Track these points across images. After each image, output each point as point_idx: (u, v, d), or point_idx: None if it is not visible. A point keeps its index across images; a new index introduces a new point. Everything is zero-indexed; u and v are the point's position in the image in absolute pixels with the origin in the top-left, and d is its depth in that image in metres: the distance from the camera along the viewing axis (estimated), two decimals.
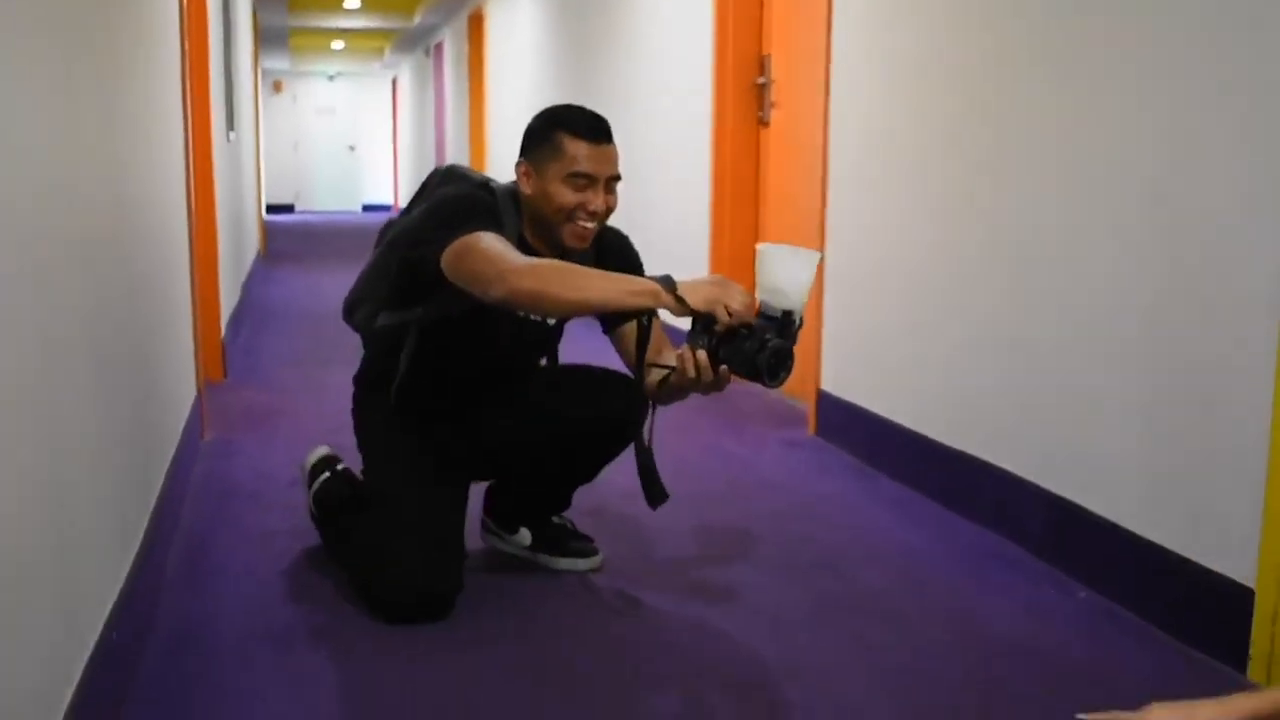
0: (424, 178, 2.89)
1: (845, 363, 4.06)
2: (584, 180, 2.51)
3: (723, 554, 3.00)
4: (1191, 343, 2.47)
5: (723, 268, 5.13)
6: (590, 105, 2.67)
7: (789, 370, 2.23)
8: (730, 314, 2.20)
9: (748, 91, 5.13)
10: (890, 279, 3.73)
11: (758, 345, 2.20)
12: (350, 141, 21.75)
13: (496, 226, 2.48)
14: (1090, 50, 2.77)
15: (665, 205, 5.83)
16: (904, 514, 3.34)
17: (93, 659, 1.94)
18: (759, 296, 2.24)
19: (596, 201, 2.53)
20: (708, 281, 2.25)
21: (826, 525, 3.26)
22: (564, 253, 2.56)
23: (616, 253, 2.69)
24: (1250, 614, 2.29)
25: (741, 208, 5.19)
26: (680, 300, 2.21)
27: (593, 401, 2.70)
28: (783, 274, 2.23)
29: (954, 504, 3.32)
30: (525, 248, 2.54)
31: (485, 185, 2.65)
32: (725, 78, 5.13)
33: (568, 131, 2.53)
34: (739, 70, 5.12)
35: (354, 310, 2.82)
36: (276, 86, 21.17)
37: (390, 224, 2.86)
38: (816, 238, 4.16)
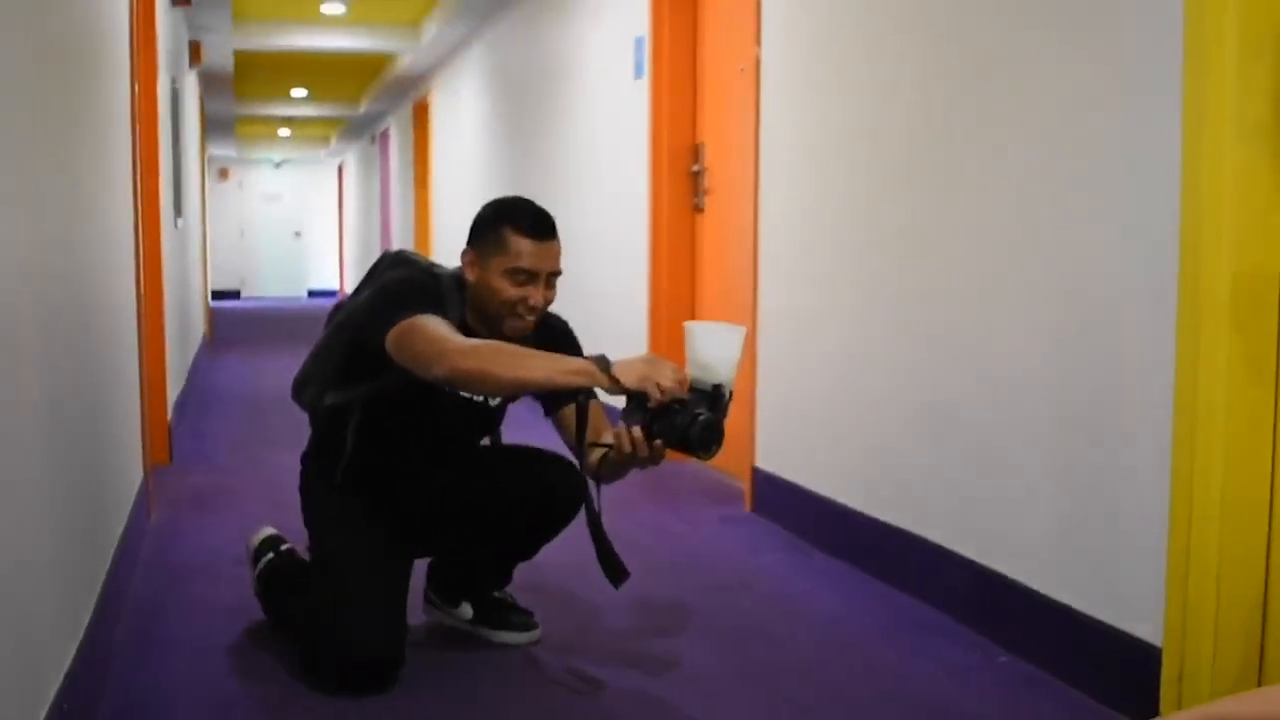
0: (370, 263, 3.01)
1: (778, 440, 4.19)
2: (525, 276, 2.63)
3: (660, 626, 3.09)
4: (1097, 410, 2.61)
5: (660, 347, 5.27)
6: (530, 191, 2.81)
7: (719, 442, 2.35)
8: (661, 390, 2.32)
9: (683, 179, 5.30)
10: (817, 357, 3.88)
11: (689, 419, 2.32)
12: (296, 228, 21.85)
13: (440, 310, 2.59)
14: (997, 118, 2.95)
15: (605, 287, 5.97)
16: (835, 585, 3.45)
17: None
18: (689, 372, 2.37)
19: (536, 296, 2.65)
20: (640, 360, 2.37)
21: (760, 597, 3.36)
22: (505, 339, 2.67)
23: (559, 337, 2.80)
24: (1158, 673, 2.41)
25: (678, 290, 5.34)
26: (614, 379, 2.33)
27: (534, 479, 2.81)
28: (709, 350, 2.36)
29: (883, 575, 3.44)
30: (467, 332, 2.64)
31: (431, 271, 2.77)
32: (661, 166, 5.31)
33: (513, 227, 2.64)
34: (674, 158, 5.30)
35: (302, 389, 2.92)
36: (223, 174, 21.29)
37: (339, 306, 2.97)
38: (749, 318, 4.30)
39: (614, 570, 2.56)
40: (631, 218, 5.58)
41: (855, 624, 3.11)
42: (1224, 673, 2.31)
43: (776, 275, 4.20)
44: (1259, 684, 2.30)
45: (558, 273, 2.69)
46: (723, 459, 4.86)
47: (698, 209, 5.29)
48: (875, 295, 3.54)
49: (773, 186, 4.21)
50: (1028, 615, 2.82)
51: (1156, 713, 2.41)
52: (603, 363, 2.36)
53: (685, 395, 2.34)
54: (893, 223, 3.44)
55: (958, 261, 3.12)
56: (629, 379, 2.33)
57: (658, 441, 2.36)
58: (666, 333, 5.31)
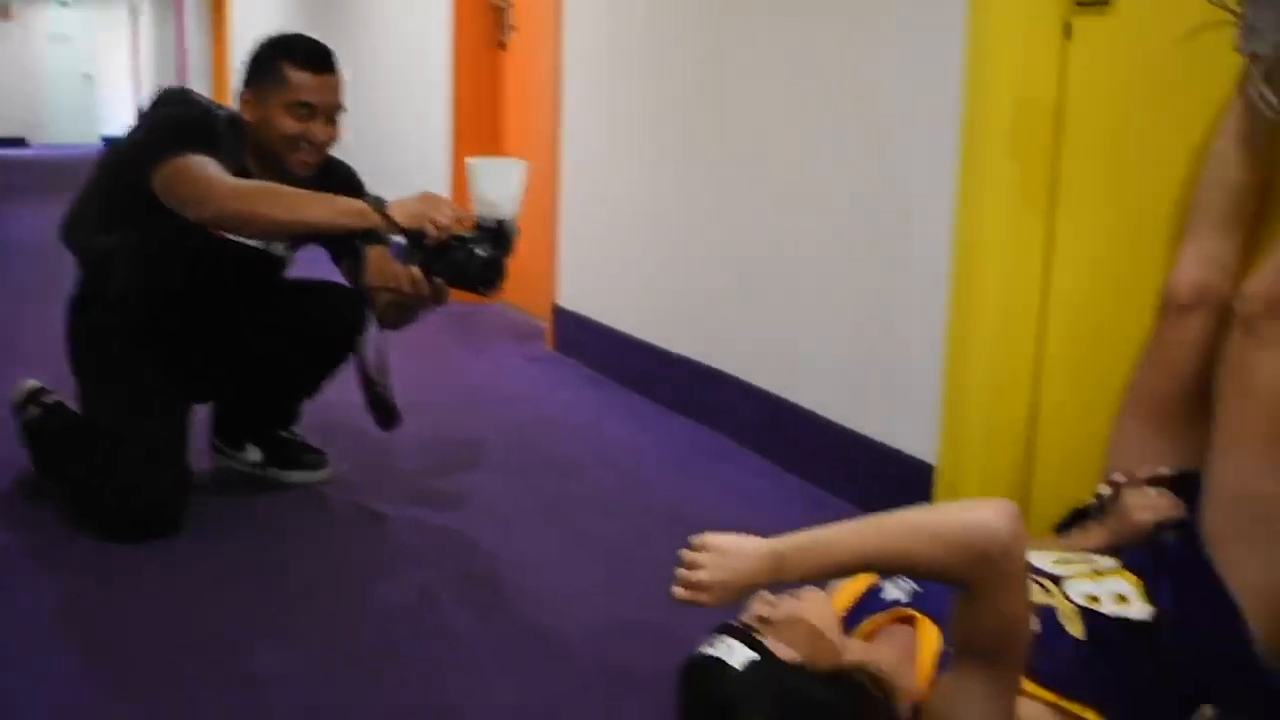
0: None
1: (580, 279, 4.17)
2: (306, 110, 2.53)
3: (457, 463, 3.08)
4: (882, 244, 2.66)
5: (461, 191, 5.15)
6: (329, 31, 2.68)
7: (500, 278, 2.31)
8: (437, 227, 2.26)
9: (486, 14, 5.14)
10: (619, 197, 3.85)
11: (467, 256, 2.27)
12: (87, 70, 20.65)
13: (214, 150, 2.47)
14: None
15: (405, 127, 5.82)
16: (633, 420, 3.48)
17: None
18: (474, 209, 2.31)
19: (318, 131, 2.55)
20: (415, 198, 2.31)
21: (559, 433, 3.37)
22: (288, 181, 2.55)
23: (341, 180, 2.69)
24: (932, 487, 2.51)
25: (481, 130, 5.22)
26: (388, 218, 2.26)
27: (309, 311, 2.74)
28: (491, 185, 2.30)
29: (681, 408, 3.48)
30: (247, 176, 2.52)
31: (209, 111, 2.63)
32: (464, 1, 5.14)
33: (291, 62, 2.54)
34: None
35: (71, 231, 2.76)
36: (3, 13, 19.91)
37: (114, 148, 2.80)
38: (552, 161, 4.24)
39: (382, 412, 2.54)
40: (433, 57, 5.40)
41: (651, 456, 3.15)
42: (993, 488, 2.41)
43: (581, 115, 4.13)
44: (1027, 500, 2.41)
45: (339, 107, 2.59)
46: (524, 297, 4.85)
47: (501, 46, 5.16)
48: (677, 135, 3.51)
49: (577, 22, 4.11)
50: (816, 441, 2.89)
51: None
52: (377, 203, 2.30)
53: (465, 232, 2.28)
54: (696, 62, 3.40)
55: (754, 99, 3.10)
56: (403, 217, 2.27)
57: (438, 280, 2.31)
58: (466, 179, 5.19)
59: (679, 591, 1.46)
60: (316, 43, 2.61)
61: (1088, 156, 2.27)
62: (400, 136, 5.83)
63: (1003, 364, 2.39)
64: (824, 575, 1.49)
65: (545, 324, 4.41)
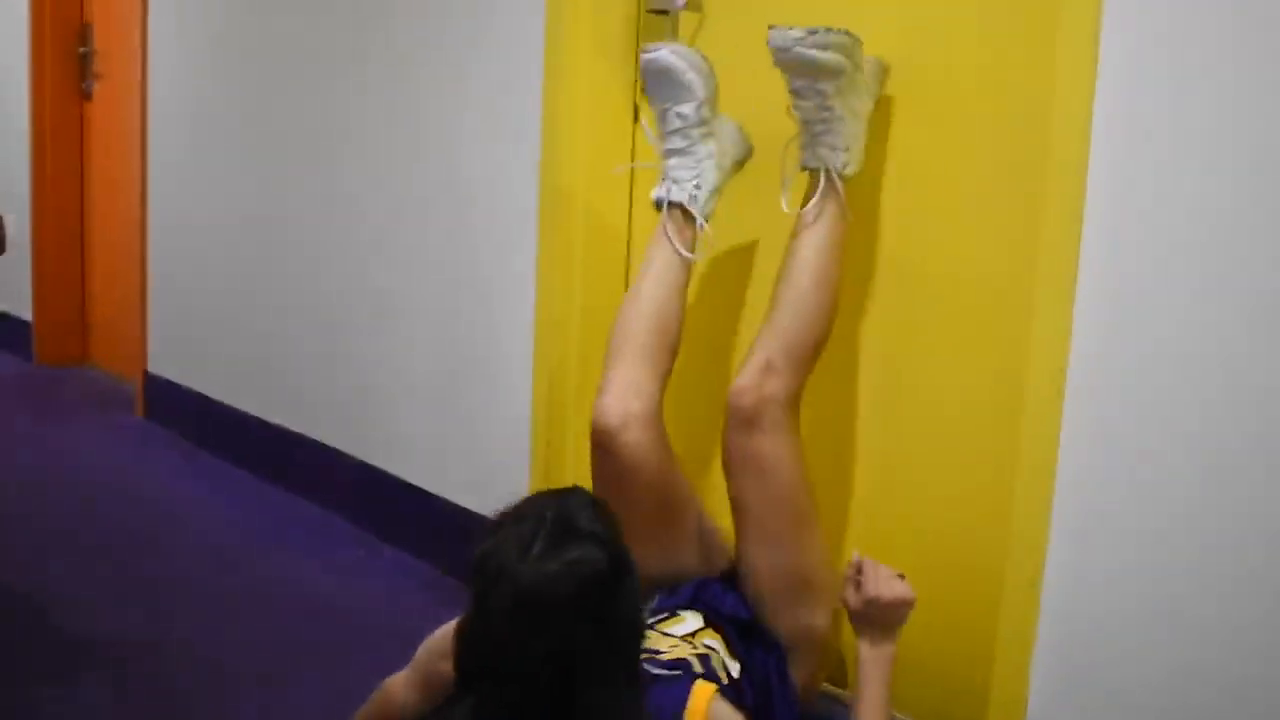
0: None
1: (171, 343, 4.00)
2: None
3: (31, 544, 2.89)
4: (468, 310, 2.72)
5: (47, 248, 4.87)
6: None
7: None
8: None
9: (69, 62, 4.88)
10: (210, 256, 3.74)
11: None
12: None
13: None
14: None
15: None
16: (226, 490, 3.37)
17: None
18: None
19: None
20: None
21: (145, 506, 3.22)
22: None
23: None
24: None
25: (64, 185, 4.92)
26: None
27: None
28: None
29: (275, 478, 3.40)
30: None
31: None
32: (42, 44, 4.84)
33: None
34: (57, 36, 4.85)
35: None
36: None
37: None
38: (138, 217, 4.06)
39: None
40: (9, 104, 5.06)
41: (245, 528, 3.06)
42: None
43: (168, 170, 3.97)
44: None
45: None
46: (112, 360, 4.61)
47: (86, 96, 4.90)
48: (263, 192, 3.45)
49: (160, 74, 3.97)
50: (409, 509, 2.90)
51: None
52: None
53: None
54: (282, 117, 3.35)
55: (342, 155, 3.10)
56: None
57: None
58: (53, 232, 4.90)
59: None
60: None
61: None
62: None
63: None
64: None
65: (135, 388, 4.20)
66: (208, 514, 3.18)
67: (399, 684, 1.83)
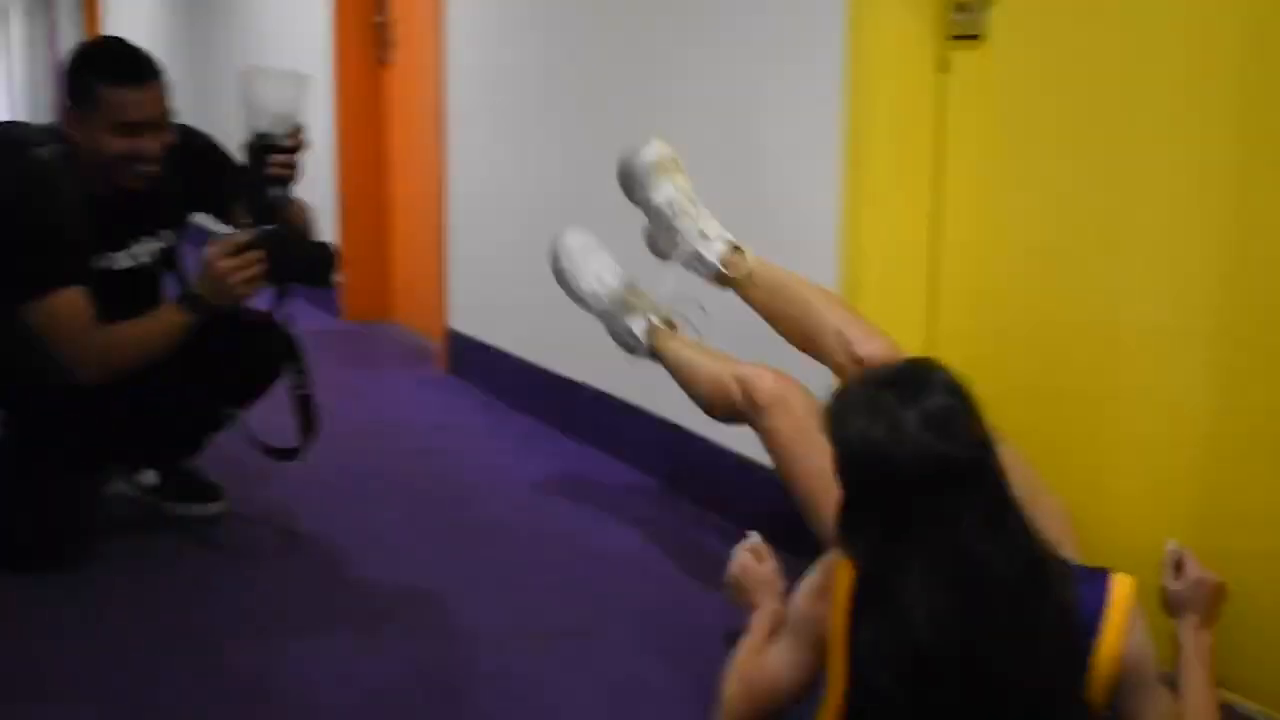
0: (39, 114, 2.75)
1: (471, 300, 4.17)
2: (131, 128, 2.45)
3: (355, 495, 3.07)
4: None
5: (351, 211, 5.15)
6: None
7: (330, 266, 2.52)
8: (237, 290, 2.41)
9: (366, 30, 5.11)
10: (507, 216, 3.86)
11: (301, 251, 2.48)
12: None
13: (56, 214, 2.42)
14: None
15: None
16: (528, 445, 3.50)
17: None
18: (247, 120, 2.37)
19: (149, 146, 2.48)
20: (205, 281, 2.42)
21: (455, 462, 3.37)
22: (133, 189, 2.51)
23: (199, 151, 2.67)
24: None
25: (364, 150, 5.19)
26: (204, 310, 2.43)
27: (234, 338, 2.62)
28: (262, 96, 2.36)
29: (573, 433, 3.50)
30: (92, 202, 2.47)
31: (36, 160, 2.46)
32: (344, 15, 5.10)
33: (105, 79, 2.44)
34: (356, 7, 5.09)
35: None
36: None
37: None
38: (437, 180, 4.24)
39: (306, 419, 2.59)
40: (314, 73, 5.33)
41: (548, 483, 3.17)
42: None
43: (466, 132, 4.13)
44: None
45: (166, 114, 2.51)
46: (415, 317, 4.84)
47: (383, 62, 5.13)
48: (566, 162, 3.54)
49: (459, 37, 4.11)
50: (710, 468, 2.94)
51: None
52: (187, 305, 2.44)
53: (254, 246, 2.39)
54: (583, 77, 3.43)
55: (643, 112, 3.14)
56: (215, 299, 2.43)
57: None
58: (356, 195, 5.17)
59: None
60: (129, 50, 2.52)
61: (963, 188, 2.37)
62: None
63: None
64: None
65: (437, 345, 4.40)
66: (512, 466, 3.30)
67: (778, 661, 1.73)
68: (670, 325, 2.47)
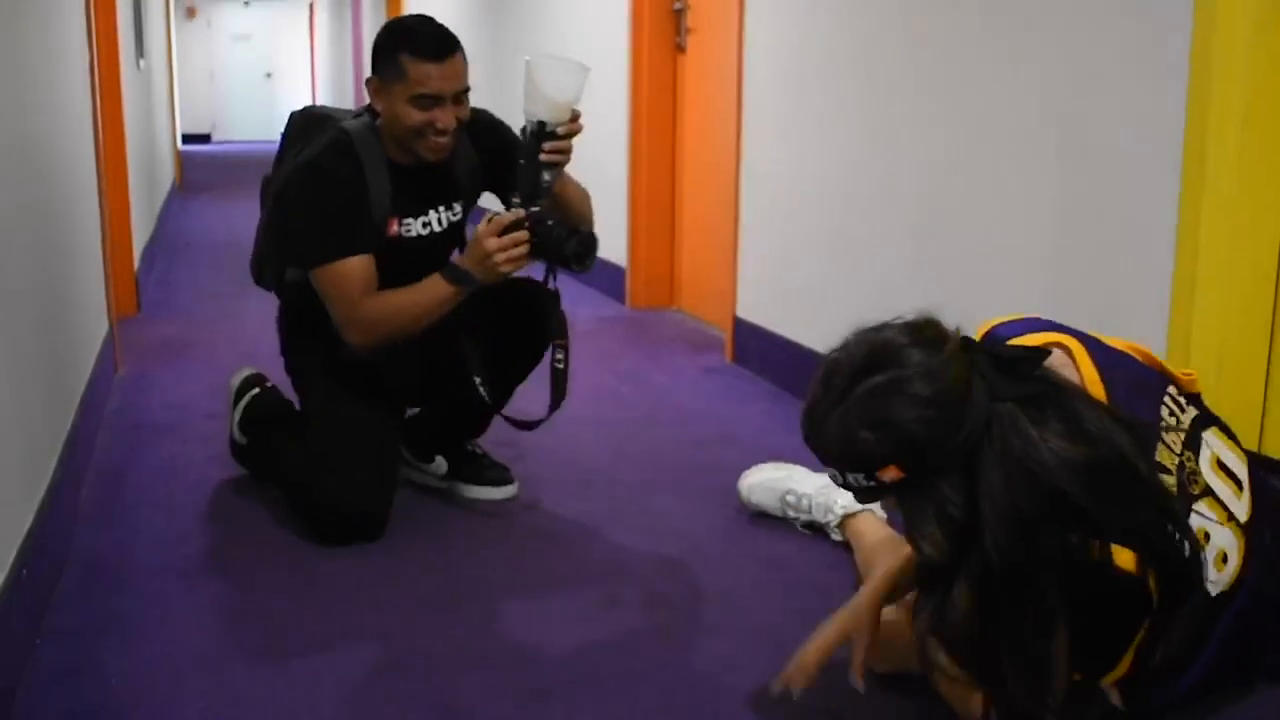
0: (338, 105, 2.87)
1: (761, 289, 4.10)
2: (430, 100, 2.53)
3: (638, 480, 3.05)
4: (1103, 250, 2.53)
5: (640, 197, 5.16)
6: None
7: (591, 253, 2.52)
8: (500, 267, 2.46)
9: (664, 17, 5.11)
10: (802, 204, 3.77)
11: (564, 234, 2.48)
12: (267, 69, 21.30)
13: (359, 184, 2.55)
14: None
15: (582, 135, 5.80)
16: None
17: (3, 594, 1.94)
18: (525, 109, 2.46)
19: (444, 118, 2.55)
20: (472, 256, 2.49)
21: (740, 452, 3.30)
22: (430, 161, 2.60)
23: (488, 135, 2.75)
24: None
25: (658, 136, 5.19)
26: (472, 283, 2.49)
27: (508, 301, 2.71)
28: (544, 84, 2.45)
29: None
30: (394, 171, 2.60)
31: (340, 136, 2.62)
32: (642, 4, 5.10)
33: (409, 53, 2.53)
34: None
35: (261, 270, 2.87)
36: (190, 12, 20.63)
37: (268, 180, 2.85)
38: (732, 167, 4.18)
39: (559, 388, 2.62)
40: (610, 59, 5.38)
41: None
42: None
43: (762, 120, 4.06)
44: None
45: (465, 90, 2.59)
46: (701, 305, 4.80)
47: (680, 49, 5.11)
48: (869, 147, 3.42)
49: (758, 24, 4.04)
50: None
51: None
52: (455, 279, 2.49)
53: (523, 222, 2.46)
54: (890, 64, 3.30)
55: (959, 98, 2.99)
56: (481, 275, 2.48)
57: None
58: (647, 181, 5.18)
59: None
60: (437, 27, 2.60)
61: None
62: (578, 142, 5.81)
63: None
64: None
65: (723, 334, 4.35)
66: (800, 460, 3.21)
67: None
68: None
